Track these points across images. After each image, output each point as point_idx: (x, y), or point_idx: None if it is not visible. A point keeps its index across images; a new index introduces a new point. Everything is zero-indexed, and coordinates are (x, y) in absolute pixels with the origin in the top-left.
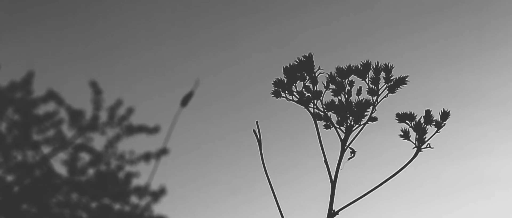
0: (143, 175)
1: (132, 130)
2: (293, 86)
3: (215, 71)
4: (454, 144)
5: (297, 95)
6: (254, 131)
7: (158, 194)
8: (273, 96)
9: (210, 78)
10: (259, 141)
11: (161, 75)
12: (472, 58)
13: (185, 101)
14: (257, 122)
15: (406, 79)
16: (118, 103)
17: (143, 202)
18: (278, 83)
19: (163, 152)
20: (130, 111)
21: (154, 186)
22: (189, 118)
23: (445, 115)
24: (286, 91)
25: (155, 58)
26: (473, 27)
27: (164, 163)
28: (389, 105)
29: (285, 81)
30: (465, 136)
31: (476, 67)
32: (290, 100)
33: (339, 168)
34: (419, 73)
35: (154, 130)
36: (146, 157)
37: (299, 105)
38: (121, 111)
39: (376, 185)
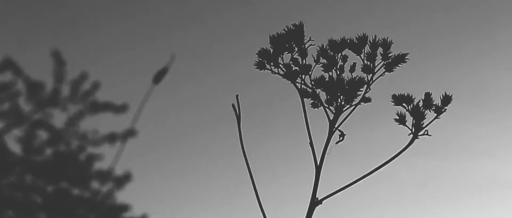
0: (107, 158)
1: (97, 107)
2: (279, 58)
3: (192, 43)
4: (456, 142)
5: (283, 68)
6: (233, 105)
7: (123, 180)
8: (256, 68)
9: (187, 52)
10: (238, 117)
11: (132, 48)
12: (486, 50)
13: (158, 78)
14: (237, 96)
15: (406, 57)
16: (83, 76)
17: (105, 188)
18: (263, 53)
19: (130, 133)
20: (95, 85)
21: (118, 171)
22: (162, 97)
23: (446, 99)
24: (272, 63)
25: (126, 30)
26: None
27: (130, 145)
28: (385, 86)
29: (271, 51)
30: (467, 133)
31: (490, 59)
32: (276, 73)
33: (325, 152)
34: (421, 54)
35: (121, 109)
36: (111, 138)
37: (285, 79)
38: (86, 86)
39: (365, 173)
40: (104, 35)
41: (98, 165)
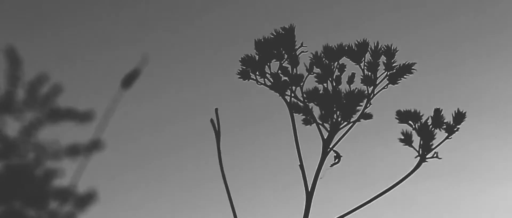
0: (68, 173)
1: (58, 115)
2: (266, 66)
3: (168, 44)
4: (469, 165)
5: (270, 79)
6: (212, 120)
7: (86, 200)
8: (239, 78)
9: (161, 53)
10: (217, 134)
11: (99, 48)
12: (499, 58)
13: (127, 81)
14: (216, 110)
15: (413, 67)
16: (42, 78)
17: (65, 209)
18: (247, 61)
19: (95, 145)
20: (56, 89)
21: (81, 189)
22: (132, 104)
23: (459, 117)
24: (257, 72)
25: (94, 28)
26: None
27: (96, 159)
28: (388, 100)
29: (257, 59)
30: (483, 155)
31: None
32: (262, 84)
33: (318, 175)
34: (430, 65)
35: (86, 116)
36: (73, 150)
37: (273, 91)
38: (45, 89)
39: (364, 201)
40: (68, 33)
41: (58, 182)
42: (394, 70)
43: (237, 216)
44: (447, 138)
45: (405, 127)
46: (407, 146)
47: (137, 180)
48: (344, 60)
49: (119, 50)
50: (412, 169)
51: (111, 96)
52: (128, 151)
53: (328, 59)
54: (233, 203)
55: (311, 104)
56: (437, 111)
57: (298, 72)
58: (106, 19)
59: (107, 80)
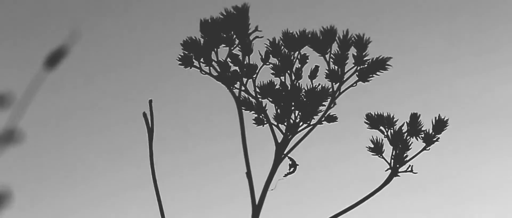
0: None
1: None
2: (213, 53)
3: (99, 19)
4: (449, 181)
5: (217, 67)
6: (144, 114)
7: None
8: (180, 65)
9: (93, 29)
10: (150, 131)
11: (16, 20)
12: (481, 58)
13: (52, 61)
14: (150, 102)
15: (388, 63)
16: None
17: None
18: (190, 45)
19: (10, 135)
20: None
21: None
22: (57, 87)
23: (440, 125)
24: (202, 59)
25: None
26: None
27: (11, 153)
28: (357, 101)
29: (202, 43)
30: (466, 169)
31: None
32: (206, 73)
33: (268, 186)
34: (407, 61)
35: (1, 101)
36: None
37: (219, 83)
38: None
39: None
40: None
41: None
42: (365, 65)
43: None
44: (424, 148)
45: (376, 134)
46: (377, 156)
47: (60, 178)
48: (306, 50)
49: (44, 23)
50: (381, 183)
51: (32, 78)
52: (50, 144)
53: (287, 48)
54: (164, 215)
55: (265, 101)
56: (414, 117)
57: (251, 62)
58: None
59: (28, 58)
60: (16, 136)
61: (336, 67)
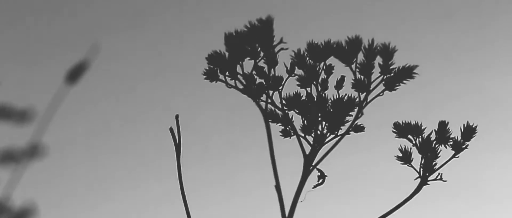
0: (1, 183)
1: None
2: (238, 66)
3: (123, 34)
4: (480, 187)
5: (243, 80)
6: (171, 130)
7: (22, 216)
8: (206, 79)
9: (114, 44)
10: (178, 147)
11: (39, 35)
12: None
13: (74, 75)
14: (176, 117)
15: (414, 71)
16: None
17: None
18: (215, 58)
19: (34, 150)
20: None
21: (18, 202)
22: (79, 102)
23: (469, 132)
24: (227, 73)
25: (33, 11)
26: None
27: (35, 167)
28: (384, 110)
29: (227, 56)
30: (498, 176)
31: None
32: (232, 86)
33: (298, 198)
34: (435, 69)
35: (23, 115)
36: (7, 156)
37: (246, 96)
38: None
39: None
40: (4, 14)
41: None
42: (392, 74)
43: None
44: (453, 156)
45: (404, 142)
46: (406, 165)
47: (84, 193)
48: (332, 60)
49: (65, 37)
50: (411, 192)
51: (54, 92)
52: (73, 158)
53: (312, 59)
54: None
55: (291, 113)
56: (442, 124)
57: (276, 74)
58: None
59: (50, 73)
60: (40, 150)
61: (362, 77)
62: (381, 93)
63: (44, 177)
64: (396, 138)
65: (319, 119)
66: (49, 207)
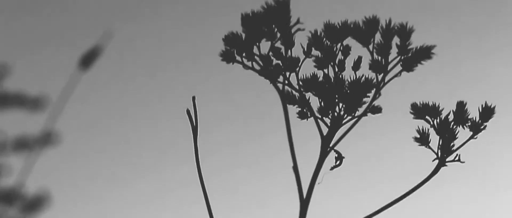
0: (15, 171)
1: (4, 100)
2: (255, 47)
3: (136, 16)
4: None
5: (260, 62)
6: (188, 111)
7: (36, 203)
8: (223, 60)
9: (128, 28)
10: (195, 129)
11: (50, 20)
12: None
13: (87, 61)
14: (193, 98)
15: (432, 51)
16: None
17: (11, 214)
18: (232, 39)
19: (47, 137)
20: (3, 70)
21: (31, 190)
22: (93, 88)
23: (487, 112)
24: (244, 54)
25: None
26: None
27: (49, 155)
28: (401, 91)
29: (244, 37)
30: None
31: None
32: (249, 68)
33: (315, 180)
34: (452, 50)
35: (36, 102)
36: (21, 144)
37: (263, 77)
38: None
39: (372, 212)
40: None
41: (2, 181)
42: (410, 54)
43: None
44: (472, 137)
45: (422, 124)
46: (423, 147)
47: (98, 181)
48: (349, 41)
49: (77, 22)
50: (429, 174)
51: (67, 79)
52: (87, 146)
53: (329, 40)
54: (212, 212)
55: (308, 94)
56: (461, 105)
57: (293, 55)
58: None
59: (63, 59)
60: (53, 138)
61: (379, 57)
62: (399, 74)
63: (58, 165)
64: (414, 119)
65: (336, 100)
66: (62, 194)
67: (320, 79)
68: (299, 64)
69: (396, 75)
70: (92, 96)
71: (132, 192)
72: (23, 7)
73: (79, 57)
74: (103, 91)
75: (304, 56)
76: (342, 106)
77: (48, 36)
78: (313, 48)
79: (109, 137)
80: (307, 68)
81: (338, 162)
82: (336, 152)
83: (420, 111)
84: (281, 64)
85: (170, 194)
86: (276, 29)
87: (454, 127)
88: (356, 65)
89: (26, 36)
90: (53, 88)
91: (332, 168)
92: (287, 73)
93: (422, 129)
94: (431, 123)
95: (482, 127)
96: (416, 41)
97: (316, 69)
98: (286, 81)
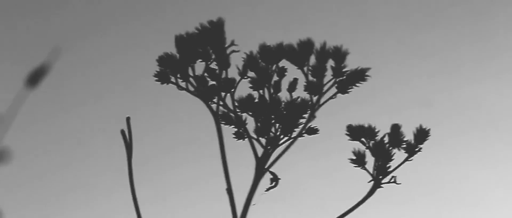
0: None
1: None
2: (189, 68)
3: (79, 35)
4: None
5: (194, 82)
6: (122, 131)
7: None
8: (157, 81)
9: (73, 46)
10: (129, 148)
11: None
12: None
13: (34, 79)
14: (127, 119)
15: (367, 73)
16: None
17: None
18: (166, 60)
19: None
20: None
21: None
22: (39, 106)
23: (422, 134)
24: (178, 75)
25: None
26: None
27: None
28: (337, 113)
29: (178, 58)
30: (452, 178)
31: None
32: (183, 89)
33: (250, 202)
34: (386, 71)
35: None
36: None
37: (197, 98)
38: None
39: None
40: None
41: None
42: (344, 77)
43: None
44: (407, 159)
45: (358, 145)
46: (359, 168)
47: (48, 197)
48: (284, 62)
49: (26, 42)
50: (364, 195)
51: (14, 96)
52: (35, 163)
53: (265, 61)
54: None
55: (244, 115)
56: (395, 127)
57: (228, 76)
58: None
59: (10, 76)
60: (3, 155)
61: (314, 79)
62: (334, 96)
63: (7, 183)
64: (350, 141)
65: (272, 121)
66: (12, 212)
67: (256, 100)
68: (235, 85)
69: (331, 97)
70: (38, 115)
71: (79, 214)
72: None
73: (27, 75)
74: (48, 110)
75: (240, 77)
76: (278, 127)
77: None
78: (248, 70)
79: (54, 159)
80: (243, 89)
81: (273, 183)
82: (272, 173)
83: (356, 132)
84: (216, 85)
85: (105, 213)
86: (211, 51)
87: (390, 148)
88: (292, 87)
89: None
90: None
91: (267, 189)
92: (223, 94)
93: (358, 151)
94: (367, 144)
95: (417, 149)
96: (351, 64)
97: (252, 90)
98: (222, 102)
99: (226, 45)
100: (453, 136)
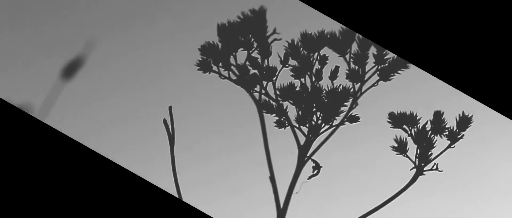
0: None
1: None
2: (231, 57)
3: (113, 26)
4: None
5: (236, 71)
6: (164, 121)
7: None
8: (199, 70)
9: (108, 38)
10: (171, 138)
11: (33, 29)
12: None
13: (69, 71)
14: (170, 108)
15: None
16: None
17: None
18: (208, 49)
19: None
20: None
21: None
22: (75, 98)
23: (464, 121)
24: (220, 64)
25: (29, 9)
26: None
27: None
28: (379, 100)
29: (220, 47)
30: (496, 167)
31: None
32: (225, 77)
33: (293, 190)
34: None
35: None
36: None
37: (239, 86)
38: None
39: None
40: None
41: None
42: (386, 64)
43: None
44: (449, 146)
45: (400, 133)
46: (401, 156)
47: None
48: (325, 50)
49: (60, 31)
50: (406, 183)
51: (50, 88)
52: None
53: (306, 50)
54: None
55: (285, 104)
56: (438, 114)
57: (270, 65)
58: None
59: (46, 69)
60: None
61: (356, 67)
62: (376, 84)
63: None
64: (392, 129)
65: (314, 109)
66: None
67: (298, 88)
68: (276, 74)
69: (373, 85)
70: (73, 107)
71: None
72: (6, 16)
73: (62, 67)
74: (84, 102)
75: (281, 66)
76: (319, 115)
77: (32, 47)
78: (290, 58)
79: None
80: (284, 77)
81: (315, 171)
82: (314, 161)
83: (398, 120)
84: (258, 73)
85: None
86: (252, 39)
87: (432, 136)
88: (333, 75)
89: (10, 46)
90: (36, 98)
91: (309, 177)
92: (264, 83)
93: (400, 138)
94: (409, 132)
95: (459, 136)
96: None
97: (293, 78)
98: (263, 91)
99: (268, 34)
100: (496, 123)
